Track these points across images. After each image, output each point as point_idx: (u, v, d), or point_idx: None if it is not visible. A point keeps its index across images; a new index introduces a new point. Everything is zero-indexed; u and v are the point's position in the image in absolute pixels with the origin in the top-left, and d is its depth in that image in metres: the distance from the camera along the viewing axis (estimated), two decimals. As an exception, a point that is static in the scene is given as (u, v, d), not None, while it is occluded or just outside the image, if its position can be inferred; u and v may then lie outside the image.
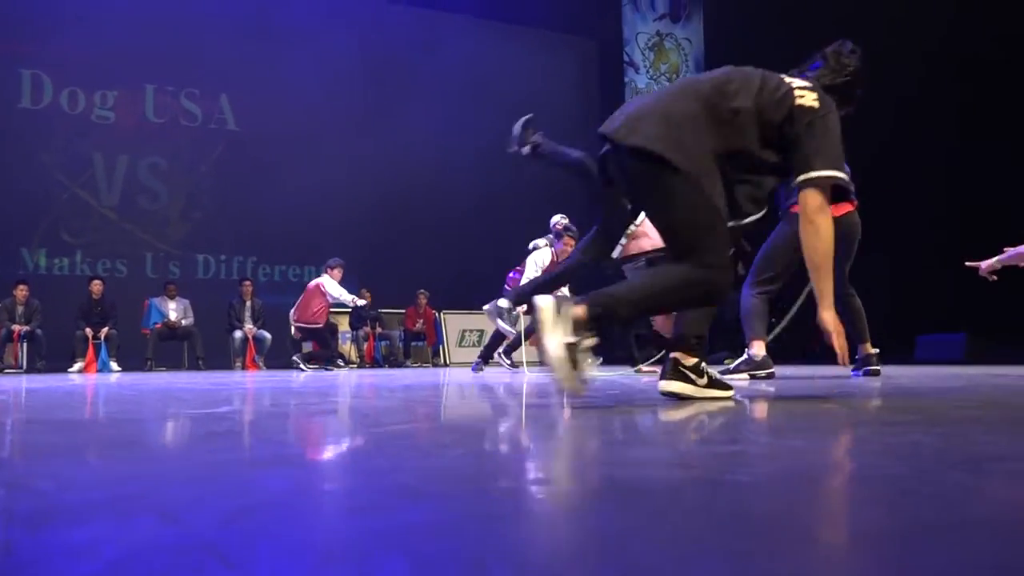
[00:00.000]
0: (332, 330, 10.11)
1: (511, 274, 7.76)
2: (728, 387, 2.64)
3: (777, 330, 5.35)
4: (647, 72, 14.87)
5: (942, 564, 0.63)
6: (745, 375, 4.56)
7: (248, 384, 5.00)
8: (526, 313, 6.71)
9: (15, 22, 11.68)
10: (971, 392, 2.82)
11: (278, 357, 11.28)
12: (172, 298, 10.95)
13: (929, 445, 1.48)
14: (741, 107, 2.43)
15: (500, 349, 7.55)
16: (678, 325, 2.70)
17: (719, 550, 0.68)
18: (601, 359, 7.76)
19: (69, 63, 11.90)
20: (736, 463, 1.24)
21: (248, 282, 11.44)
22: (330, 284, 9.70)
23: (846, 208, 4.73)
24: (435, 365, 12.09)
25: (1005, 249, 4.56)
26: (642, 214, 5.68)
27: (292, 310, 10.55)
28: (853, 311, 4.96)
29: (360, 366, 11.24)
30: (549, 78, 14.49)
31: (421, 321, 12.37)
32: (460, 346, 12.60)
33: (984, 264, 4.62)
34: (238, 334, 10.87)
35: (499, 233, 11.68)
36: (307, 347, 10.00)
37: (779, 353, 5.04)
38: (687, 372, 2.57)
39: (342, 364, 10.24)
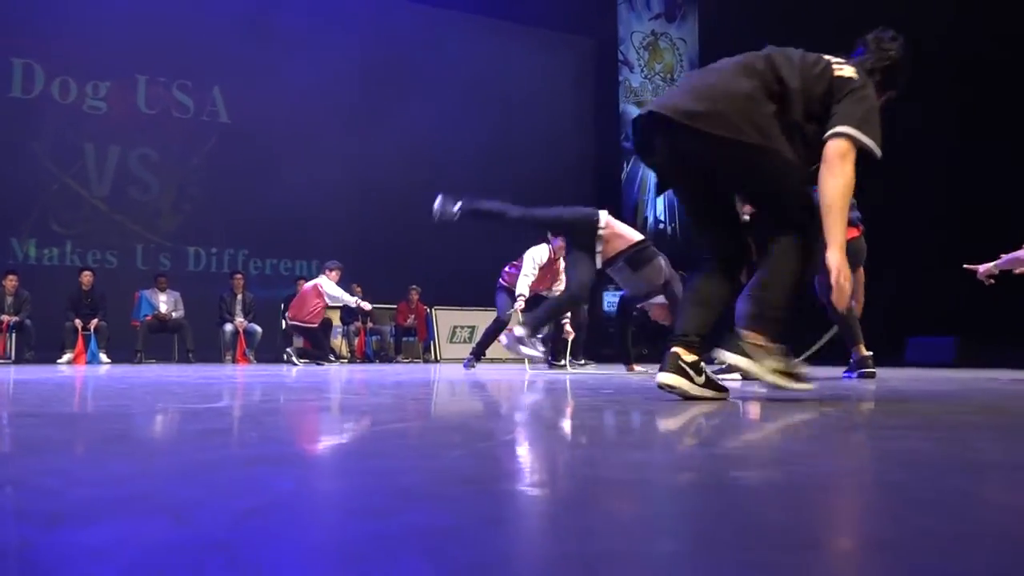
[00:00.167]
0: (326, 328, 10.10)
1: (507, 268, 7.75)
2: (724, 389, 2.64)
3: (817, 346, 5.34)
4: (641, 71, 14.89)
5: (945, 572, 0.63)
6: (737, 375, 4.58)
7: (240, 378, 4.99)
8: (524, 310, 6.73)
9: (6, 10, 11.61)
10: (965, 396, 2.83)
11: (269, 351, 11.26)
12: (163, 290, 10.91)
13: (927, 451, 1.49)
14: (789, 82, 2.54)
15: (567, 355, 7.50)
16: (680, 320, 2.71)
17: (724, 555, 0.68)
18: (584, 361, 7.78)
19: (61, 53, 11.84)
20: (736, 467, 1.24)
21: (239, 275, 11.42)
22: (329, 286, 9.73)
23: (852, 233, 4.71)
24: (426, 361, 12.08)
25: (1001, 255, 4.58)
26: (603, 214, 5.67)
27: (285, 307, 10.58)
28: (848, 316, 4.97)
29: (351, 361, 11.22)
30: (544, 76, 14.49)
31: (412, 316, 12.35)
32: (451, 342, 12.60)
33: (982, 268, 4.64)
34: (229, 327, 10.84)
35: (492, 230, 11.65)
36: (299, 341, 9.99)
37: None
38: (686, 368, 2.55)
39: (333, 359, 10.22)
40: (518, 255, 7.56)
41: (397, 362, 11.54)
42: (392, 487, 1.00)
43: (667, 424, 2.01)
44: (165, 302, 10.86)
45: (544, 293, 7.33)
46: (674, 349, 2.58)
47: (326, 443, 1.61)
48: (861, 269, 4.95)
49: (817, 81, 2.56)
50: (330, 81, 12.92)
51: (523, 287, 7.12)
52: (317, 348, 9.77)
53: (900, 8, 10.08)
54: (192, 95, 12.82)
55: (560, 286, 6.86)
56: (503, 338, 5.32)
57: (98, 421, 2.01)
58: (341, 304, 10.12)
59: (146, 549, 0.66)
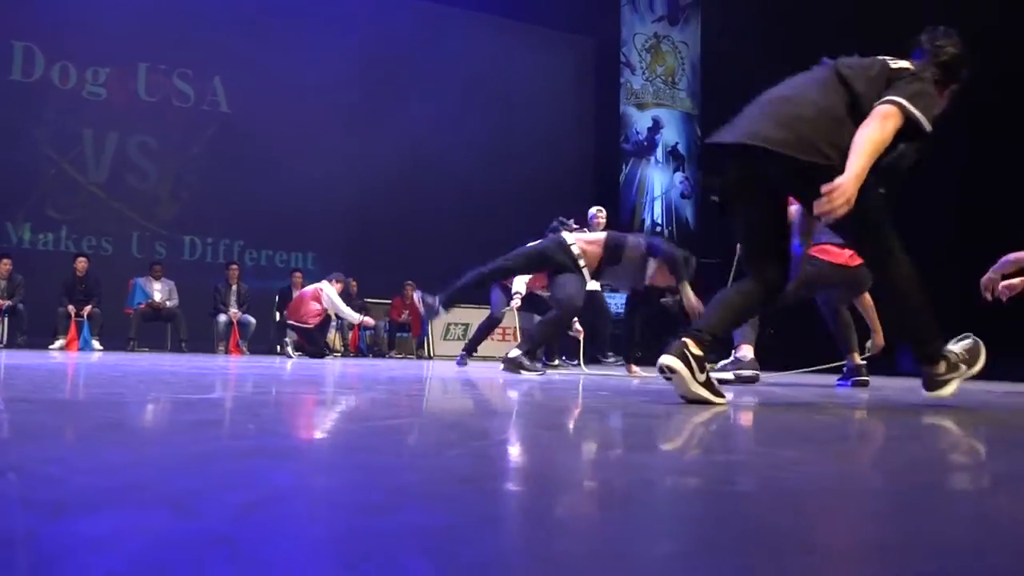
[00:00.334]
0: (323, 327, 10.09)
1: None
2: (721, 395, 2.63)
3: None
4: (643, 73, 14.90)
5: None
6: (731, 374, 4.63)
7: (234, 369, 4.98)
8: (521, 309, 6.74)
9: (8, -7, 11.57)
10: (959, 406, 2.85)
11: (262, 342, 11.25)
12: (157, 279, 10.88)
13: (924, 460, 1.49)
14: (859, 92, 2.63)
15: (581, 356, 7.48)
16: (707, 315, 2.77)
17: (721, 558, 0.69)
18: (576, 361, 7.77)
19: (62, 37, 11.80)
20: (734, 472, 1.25)
21: (235, 266, 11.40)
22: (333, 296, 9.74)
23: (858, 260, 4.72)
24: (419, 357, 12.08)
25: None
26: (565, 234, 5.68)
27: (280, 299, 10.59)
28: (843, 322, 5.01)
29: (344, 355, 11.21)
30: (545, 75, 14.48)
31: (407, 312, 12.35)
32: (445, 339, 12.59)
33: (985, 283, 4.58)
34: (222, 318, 10.83)
35: (489, 228, 11.67)
36: (294, 335, 9.99)
37: (763, 361, 5.06)
38: (690, 359, 2.55)
39: (327, 352, 10.22)
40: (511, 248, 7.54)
41: (390, 357, 11.53)
42: (389, 484, 1.00)
43: (662, 428, 2.02)
44: (159, 291, 10.83)
45: (540, 292, 7.31)
46: (685, 339, 2.60)
47: (322, 437, 1.62)
48: (867, 295, 4.96)
49: (877, 81, 2.65)
50: (330, 76, 12.90)
51: (520, 285, 7.11)
52: (312, 345, 9.77)
53: (900, 9, 10.12)
54: (193, 84, 12.79)
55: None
56: (502, 364, 5.34)
57: (92, 408, 2.01)
58: (341, 314, 10.09)
59: (148, 541, 0.66)
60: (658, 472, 1.24)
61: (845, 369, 5.07)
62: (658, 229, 14.37)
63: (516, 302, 7.01)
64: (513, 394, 3.24)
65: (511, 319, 7.87)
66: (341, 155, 12.84)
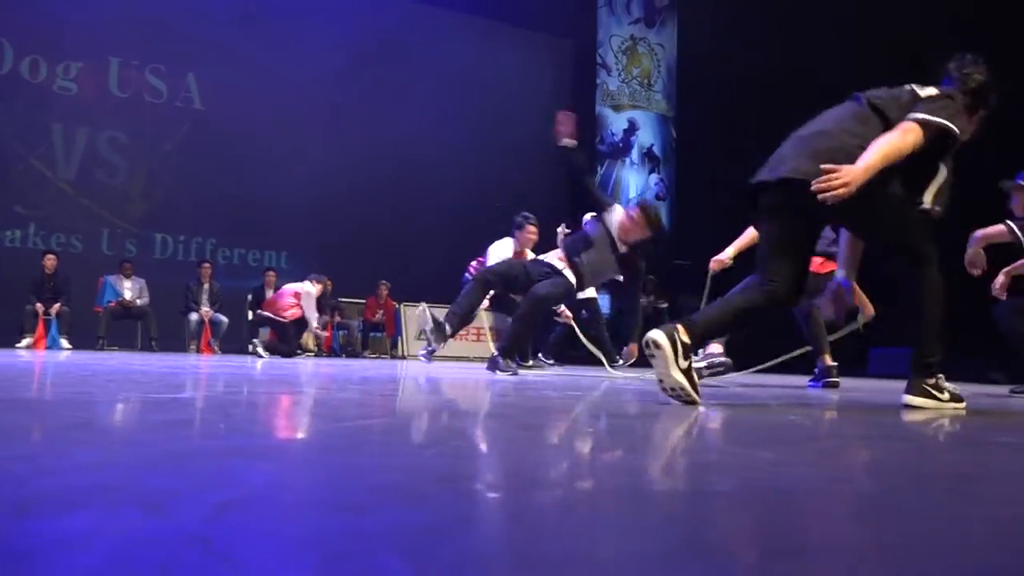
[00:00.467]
0: (299, 327, 10.04)
1: (473, 263, 7.71)
2: (697, 393, 2.64)
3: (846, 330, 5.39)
4: (619, 75, 14.96)
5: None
6: (703, 362, 4.60)
7: (205, 369, 4.93)
8: (492, 308, 6.72)
9: (-24, -15, 11.39)
10: (929, 407, 2.88)
11: (234, 341, 11.15)
12: (128, 277, 10.76)
13: (892, 461, 1.51)
14: (894, 120, 2.76)
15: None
16: (706, 310, 2.89)
17: (699, 561, 0.68)
18: (553, 361, 7.78)
19: (32, 31, 11.62)
20: (710, 473, 1.25)
21: (207, 264, 11.29)
22: (308, 298, 9.69)
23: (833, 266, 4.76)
24: (393, 357, 12.03)
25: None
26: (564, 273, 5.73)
27: (253, 297, 10.50)
28: (814, 323, 5.05)
29: (317, 355, 11.14)
30: (522, 76, 14.49)
31: (381, 312, 12.30)
32: (419, 339, 12.54)
33: (971, 259, 4.63)
34: (194, 316, 10.72)
35: (465, 227, 11.65)
36: (266, 334, 9.92)
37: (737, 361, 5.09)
38: (677, 344, 2.59)
39: (299, 352, 10.15)
40: (485, 250, 7.54)
41: (364, 357, 11.48)
42: (365, 484, 0.99)
43: (637, 428, 2.02)
44: (130, 289, 10.71)
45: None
46: (677, 324, 2.65)
47: (296, 437, 1.60)
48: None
49: (908, 108, 2.77)
50: (306, 75, 12.81)
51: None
52: (284, 343, 9.70)
53: (881, 11, 10.24)
54: (166, 80, 12.65)
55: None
56: (488, 365, 5.36)
57: (61, 408, 1.97)
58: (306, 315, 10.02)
59: (119, 540, 0.65)
60: (635, 472, 1.24)
61: (816, 370, 5.12)
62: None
63: (484, 302, 6.97)
64: (488, 394, 3.24)
65: (482, 319, 7.84)
66: (316, 154, 12.76)
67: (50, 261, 10.31)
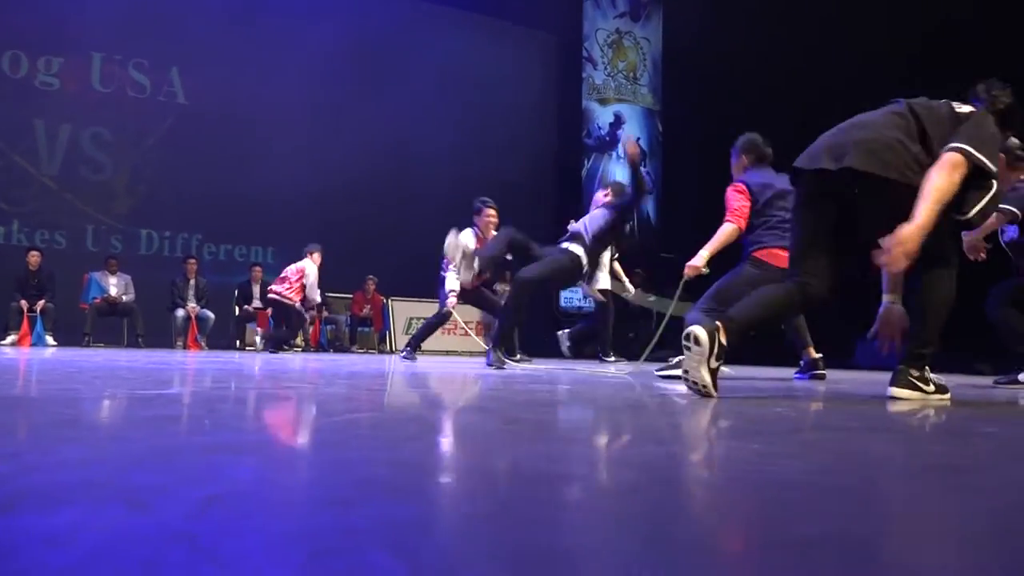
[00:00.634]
0: (300, 316, 10.02)
1: (444, 259, 7.69)
2: (716, 390, 2.72)
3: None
4: (605, 69, 14.95)
5: (895, 572, 0.65)
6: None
7: (192, 365, 4.91)
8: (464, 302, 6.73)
9: (-44, -20, 11.27)
10: (913, 398, 2.90)
11: (221, 337, 11.11)
12: (113, 273, 10.69)
13: (877, 452, 1.52)
14: (929, 129, 2.85)
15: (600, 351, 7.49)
16: (741, 306, 2.92)
17: (690, 553, 0.69)
18: (529, 358, 7.77)
19: (13, 25, 11.50)
20: (695, 465, 1.26)
21: (193, 260, 11.23)
22: (311, 273, 9.65)
23: None
24: (380, 352, 12.02)
25: None
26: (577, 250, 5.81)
27: (239, 293, 10.47)
28: (796, 321, 5.05)
29: (305, 350, 11.11)
30: (508, 71, 14.47)
31: (368, 307, 12.28)
32: (407, 333, 12.53)
33: (970, 246, 4.61)
34: (180, 312, 10.67)
35: (451, 222, 11.57)
36: (253, 328, 9.91)
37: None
38: (716, 341, 2.70)
39: (288, 346, 10.14)
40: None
41: (351, 352, 11.46)
42: (353, 478, 0.99)
43: (626, 421, 2.03)
44: (115, 285, 10.64)
45: (499, 288, 7.24)
46: (719, 322, 2.75)
47: (283, 432, 1.59)
48: None
49: (945, 122, 2.87)
50: (293, 68, 12.74)
51: (452, 282, 6.99)
52: (278, 328, 9.73)
53: (865, 9, 10.27)
54: (149, 75, 12.56)
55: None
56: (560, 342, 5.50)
57: (46, 404, 1.96)
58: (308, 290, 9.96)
59: (103, 536, 0.64)
60: (621, 465, 1.24)
61: (802, 363, 5.14)
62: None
63: (452, 300, 6.95)
64: (476, 388, 3.24)
65: (464, 313, 7.83)
66: (301, 148, 12.70)
67: (34, 258, 10.24)
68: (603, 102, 14.91)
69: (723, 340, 2.70)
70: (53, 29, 11.67)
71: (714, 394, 2.67)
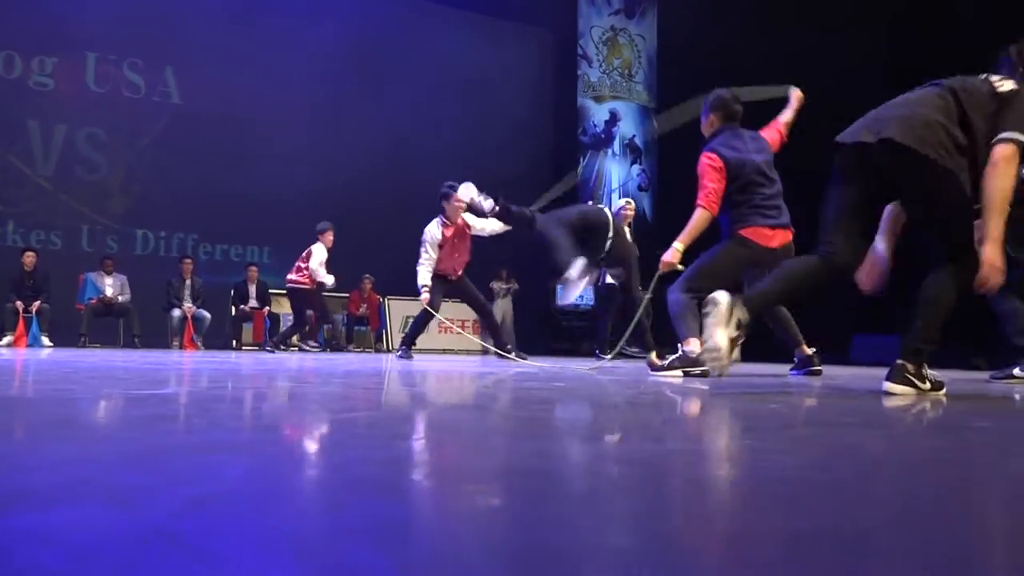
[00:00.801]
0: (313, 302, 10.00)
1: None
2: (727, 367, 2.82)
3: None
4: (600, 66, 14.95)
5: (889, 567, 0.65)
6: (679, 371, 4.33)
7: (188, 365, 4.91)
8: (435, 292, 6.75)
9: (-50, -20, 11.24)
10: (906, 395, 2.90)
11: (217, 337, 11.11)
12: (109, 273, 10.68)
13: (871, 448, 1.52)
14: (969, 110, 2.86)
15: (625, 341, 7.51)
16: (765, 281, 3.01)
17: (680, 550, 0.69)
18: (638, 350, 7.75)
19: (7, 25, 11.48)
20: (688, 462, 1.26)
21: (188, 260, 11.23)
22: (316, 253, 9.58)
23: (786, 237, 4.61)
24: (377, 351, 12.01)
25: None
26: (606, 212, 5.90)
27: (235, 293, 10.47)
28: (781, 319, 4.99)
29: (301, 350, 11.11)
30: (503, 68, 14.45)
31: (365, 306, 12.27)
32: (403, 332, 12.53)
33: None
34: (176, 313, 10.66)
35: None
36: (249, 327, 9.89)
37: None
38: (734, 312, 2.79)
39: (283, 348, 10.10)
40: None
41: (348, 351, 11.45)
42: (344, 477, 0.99)
43: (620, 418, 2.03)
44: (111, 285, 10.63)
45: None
46: (740, 298, 2.83)
47: (276, 432, 1.59)
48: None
49: (989, 101, 2.86)
50: (287, 67, 12.73)
51: (423, 276, 6.99)
52: (294, 324, 9.75)
53: (856, 7, 10.27)
54: (143, 75, 12.54)
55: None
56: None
57: (40, 405, 1.96)
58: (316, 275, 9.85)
59: (89, 535, 0.64)
60: (614, 463, 1.24)
61: (796, 359, 5.09)
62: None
63: (424, 296, 6.95)
64: (471, 385, 3.24)
65: (458, 311, 7.85)
66: (297, 147, 12.69)
67: (29, 258, 10.22)
68: (598, 99, 14.90)
69: (742, 314, 2.75)
70: (47, 29, 11.65)
71: (726, 361, 2.71)
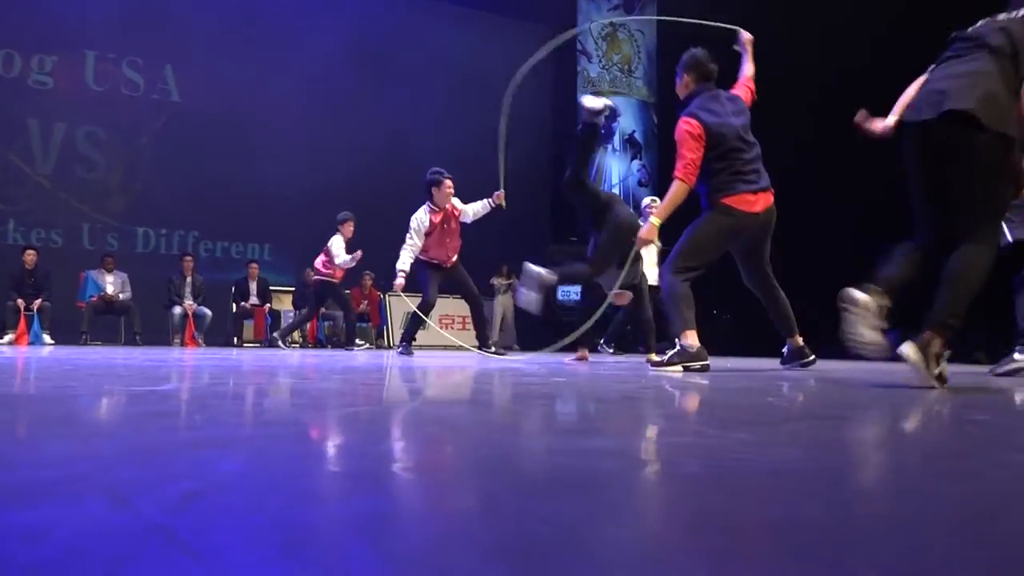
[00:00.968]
0: (338, 299, 10.02)
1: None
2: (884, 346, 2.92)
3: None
4: (599, 61, 14.92)
5: (880, 559, 0.65)
6: (679, 367, 4.24)
7: (189, 362, 4.91)
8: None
9: (-51, -21, 11.24)
10: (906, 388, 2.90)
11: (219, 334, 11.11)
12: (110, 271, 10.69)
13: (866, 441, 1.52)
14: (1020, 48, 2.88)
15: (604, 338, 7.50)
16: (944, 299, 2.92)
17: (668, 542, 0.69)
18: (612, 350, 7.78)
19: (6, 24, 11.49)
20: (685, 455, 1.26)
21: (189, 257, 11.24)
22: (334, 243, 9.58)
23: (768, 200, 4.48)
24: (378, 347, 12.02)
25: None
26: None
27: (236, 290, 10.48)
28: (778, 306, 4.80)
29: (303, 346, 11.12)
30: (502, 64, 14.39)
31: (366, 302, 12.28)
32: (404, 328, 12.54)
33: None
34: (177, 310, 10.67)
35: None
36: (250, 324, 9.88)
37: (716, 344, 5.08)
38: (869, 309, 2.89)
39: (281, 347, 10.10)
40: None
41: (353, 347, 11.45)
42: (337, 471, 1.00)
43: (615, 412, 2.03)
44: (112, 283, 10.64)
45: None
46: (926, 332, 2.85)
47: (273, 427, 1.60)
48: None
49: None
50: (287, 64, 12.72)
51: (404, 261, 7.00)
52: (308, 311, 9.77)
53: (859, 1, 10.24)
54: (143, 73, 12.54)
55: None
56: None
57: (39, 402, 1.96)
58: (343, 264, 9.79)
59: (82, 531, 0.65)
60: (608, 456, 1.25)
61: (786, 351, 4.89)
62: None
63: (399, 281, 6.95)
64: (470, 381, 3.24)
65: (457, 307, 7.86)
66: (297, 144, 12.68)
67: (30, 256, 10.23)
68: (598, 95, 14.87)
69: (937, 349, 2.79)
70: (46, 28, 11.65)
71: (882, 342, 2.81)
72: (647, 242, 4.68)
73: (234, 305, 11.35)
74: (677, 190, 4.39)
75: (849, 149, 10.22)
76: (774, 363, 5.53)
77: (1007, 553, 0.68)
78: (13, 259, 10.37)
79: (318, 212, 12.62)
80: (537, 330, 13.14)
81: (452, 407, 2.19)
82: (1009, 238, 4.57)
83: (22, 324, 9.78)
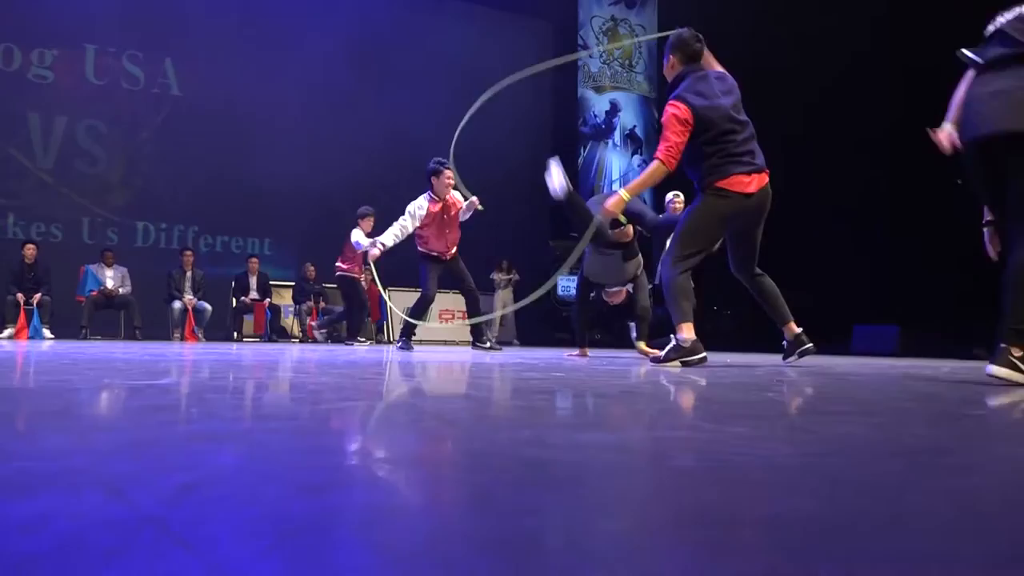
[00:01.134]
0: (355, 290, 10.02)
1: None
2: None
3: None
4: (600, 56, 14.91)
5: (877, 552, 0.65)
6: (676, 363, 4.18)
7: (188, 356, 4.91)
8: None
9: (-51, -27, 11.23)
10: (905, 384, 2.91)
11: (218, 329, 11.12)
12: (109, 265, 10.70)
13: (864, 436, 1.52)
14: None
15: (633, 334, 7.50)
16: (1010, 303, 2.98)
17: (663, 536, 0.69)
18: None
19: (6, 18, 11.48)
20: (680, 449, 1.26)
21: (189, 252, 11.24)
22: (354, 236, 9.57)
23: (763, 180, 4.37)
24: (378, 342, 12.02)
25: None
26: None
27: (236, 284, 10.48)
28: (767, 293, 4.67)
29: (302, 341, 11.13)
30: (504, 59, 14.38)
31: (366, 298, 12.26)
32: (402, 323, 12.54)
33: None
34: (177, 304, 10.68)
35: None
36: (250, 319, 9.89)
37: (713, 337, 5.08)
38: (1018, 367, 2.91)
39: (315, 339, 10.10)
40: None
41: (356, 343, 11.46)
42: (332, 464, 1.00)
43: (613, 407, 2.04)
44: (112, 278, 10.65)
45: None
46: (1003, 345, 2.92)
47: (270, 421, 1.60)
48: None
49: None
50: (287, 58, 12.72)
51: (387, 236, 7.03)
52: (350, 310, 9.77)
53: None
54: (143, 67, 12.53)
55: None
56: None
57: (39, 396, 1.97)
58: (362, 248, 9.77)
59: (77, 523, 0.65)
60: (605, 451, 1.25)
61: (785, 343, 4.78)
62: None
63: (374, 251, 6.96)
64: (466, 375, 3.24)
65: (457, 302, 7.87)
66: (297, 139, 12.68)
67: (30, 251, 10.24)
68: (599, 90, 14.87)
69: (1017, 355, 2.85)
70: (46, 22, 11.64)
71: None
72: (612, 213, 4.62)
73: (234, 300, 11.36)
74: (655, 170, 4.34)
75: (842, 146, 10.26)
76: (774, 359, 5.53)
77: (1004, 549, 0.68)
78: (13, 253, 10.38)
79: (318, 207, 12.64)
80: (537, 325, 13.16)
81: (449, 401, 2.19)
82: None
83: (22, 318, 9.79)
